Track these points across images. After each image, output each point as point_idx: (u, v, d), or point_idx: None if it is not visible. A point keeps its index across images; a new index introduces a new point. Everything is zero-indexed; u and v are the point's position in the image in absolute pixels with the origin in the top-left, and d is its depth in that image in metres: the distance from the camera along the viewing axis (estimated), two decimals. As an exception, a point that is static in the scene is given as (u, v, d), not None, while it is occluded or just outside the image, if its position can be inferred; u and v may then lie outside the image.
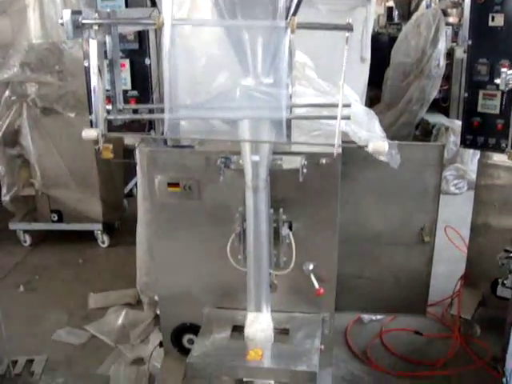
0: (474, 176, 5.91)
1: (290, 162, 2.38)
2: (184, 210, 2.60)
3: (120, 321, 3.57)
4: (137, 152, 3.02)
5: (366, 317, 3.59)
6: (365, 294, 3.11)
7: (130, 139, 2.88)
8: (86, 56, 2.25)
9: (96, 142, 2.09)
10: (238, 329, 2.57)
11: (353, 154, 2.70)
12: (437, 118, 6.36)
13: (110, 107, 2.27)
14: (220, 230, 2.55)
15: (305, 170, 2.35)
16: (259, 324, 2.47)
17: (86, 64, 2.36)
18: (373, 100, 6.14)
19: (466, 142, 3.29)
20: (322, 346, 2.51)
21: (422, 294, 3.11)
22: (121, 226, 5.08)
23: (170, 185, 2.57)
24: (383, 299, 3.13)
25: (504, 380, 2.72)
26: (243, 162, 2.30)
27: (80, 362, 3.30)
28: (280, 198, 2.48)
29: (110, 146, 2.19)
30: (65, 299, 3.98)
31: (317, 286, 2.53)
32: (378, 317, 3.59)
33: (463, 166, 5.87)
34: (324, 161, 2.42)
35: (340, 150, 2.32)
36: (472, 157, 5.74)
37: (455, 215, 4.53)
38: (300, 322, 2.61)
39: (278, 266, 2.56)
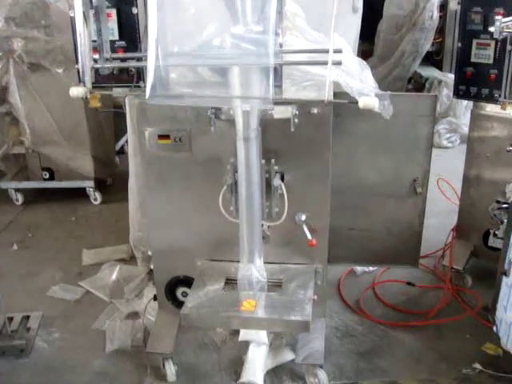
0: (466, 130, 5.89)
1: (281, 112, 2.35)
2: (175, 162, 2.56)
3: (114, 276, 3.58)
4: (126, 103, 2.97)
5: (358, 269, 3.61)
6: (357, 246, 3.11)
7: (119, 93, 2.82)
8: (72, 6, 2.19)
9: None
10: (232, 281, 2.59)
11: (345, 105, 2.70)
12: (430, 72, 6.27)
13: (97, 56, 2.23)
14: (212, 181, 2.53)
15: (296, 120, 2.31)
16: (252, 275, 2.50)
17: (72, 14, 2.29)
18: (365, 53, 6.02)
19: (458, 93, 3.25)
20: (315, 297, 2.52)
21: (415, 245, 3.11)
22: (113, 183, 5.05)
23: (161, 137, 2.53)
24: (375, 251, 3.13)
25: (495, 328, 2.76)
26: (234, 112, 2.26)
27: (75, 318, 3.31)
28: (272, 148, 2.45)
29: (98, 95, 2.14)
30: (58, 256, 3.98)
31: (309, 236, 2.53)
32: (371, 268, 3.61)
33: (456, 120, 5.83)
34: (315, 110, 2.39)
35: (331, 97, 2.29)
36: (465, 110, 5.71)
37: (447, 168, 4.51)
38: (293, 273, 2.62)
39: (270, 217, 2.55)
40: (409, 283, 3.43)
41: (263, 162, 2.40)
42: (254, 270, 2.49)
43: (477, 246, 3.40)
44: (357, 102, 2.09)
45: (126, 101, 2.97)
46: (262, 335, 2.77)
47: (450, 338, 3.04)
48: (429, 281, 3.55)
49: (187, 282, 2.78)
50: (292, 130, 2.30)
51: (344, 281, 3.55)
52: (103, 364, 2.94)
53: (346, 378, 2.79)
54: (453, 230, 3.51)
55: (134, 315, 3.26)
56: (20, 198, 4.78)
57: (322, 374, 2.69)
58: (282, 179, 2.50)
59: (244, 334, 2.78)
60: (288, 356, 2.89)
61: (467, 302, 3.28)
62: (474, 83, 3.16)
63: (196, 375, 2.84)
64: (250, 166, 2.30)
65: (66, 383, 2.82)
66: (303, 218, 2.56)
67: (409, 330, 3.09)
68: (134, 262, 3.73)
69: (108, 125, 4.81)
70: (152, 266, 3.01)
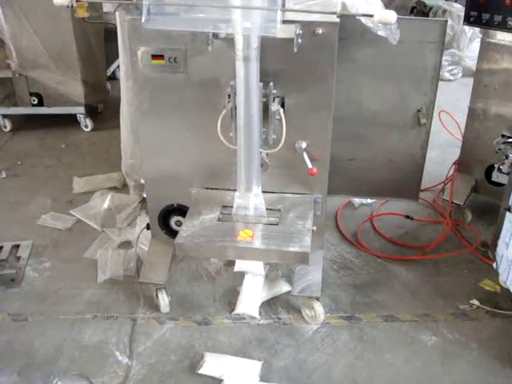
0: (469, 62, 5.77)
1: (283, 31, 2.16)
2: (169, 84, 2.37)
3: (106, 204, 3.46)
4: (117, 19, 2.75)
5: (356, 200, 3.51)
6: (356, 178, 2.99)
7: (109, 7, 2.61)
8: None
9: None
10: (228, 209, 2.47)
11: (350, 29, 2.51)
12: (434, 0, 5.99)
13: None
14: (209, 105, 2.36)
15: (299, 40, 2.14)
16: (249, 204, 2.39)
17: None
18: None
19: (469, 19, 3.04)
20: (314, 228, 2.42)
21: (416, 178, 2.99)
22: (104, 110, 4.86)
23: (154, 57, 2.33)
24: (375, 183, 3.02)
25: (494, 265, 2.69)
26: (233, 29, 2.08)
27: (66, 247, 3.21)
28: (271, 71, 2.26)
29: (85, 4, 1.94)
30: (48, 184, 3.86)
31: (310, 165, 2.39)
32: (369, 201, 3.52)
33: (459, 52, 5.62)
34: (320, 30, 2.19)
35: (337, 19, 2.15)
36: (469, 42, 5.49)
37: (449, 101, 4.35)
38: (291, 203, 2.50)
39: (267, 144, 2.40)
40: (407, 216, 3.34)
41: (261, 84, 2.23)
42: (252, 198, 2.38)
43: (479, 181, 3.29)
44: (372, 15, 1.90)
45: (117, 16, 2.76)
46: (258, 266, 2.70)
47: (447, 274, 2.97)
48: (428, 215, 3.46)
49: (181, 210, 2.66)
50: (295, 50, 2.13)
51: (341, 213, 3.46)
52: (95, 294, 2.86)
53: (342, 311, 2.73)
54: (454, 163, 3.38)
55: (127, 244, 3.17)
56: (8, 124, 4.59)
57: (318, 307, 2.62)
58: (282, 105, 2.34)
59: (240, 265, 2.71)
60: (284, 288, 2.83)
61: (466, 238, 3.20)
62: (487, 9, 2.95)
63: (190, 306, 2.77)
64: (249, 89, 2.14)
65: (57, 313, 2.74)
66: (304, 145, 2.42)
67: (406, 264, 3.02)
68: (126, 190, 3.63)
69: (99, 48, 4.55)
70: (145, 195, 2.89)
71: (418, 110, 2.79)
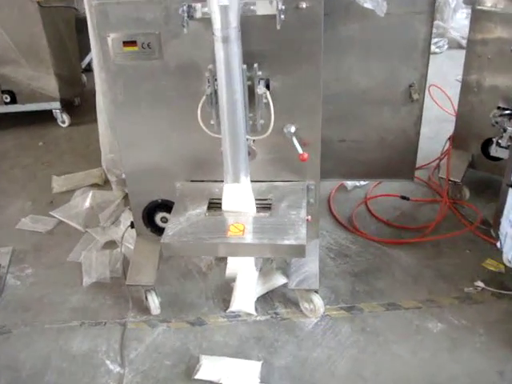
0: (454, 34, 5.60)
1: (264, 7, 1.98)
2: (144, 72, 2.18)
3: (87, 203, 3.27)
4: (85, 4, 2.54)
5: (349, 184, 3.35)
6: (348, 159, 2.83)
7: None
8: None
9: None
10: (216, 203, 2.30)
11: (334, 3, 2.34)
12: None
13: None
14: (187, 92, 2.18)
15: (282, 17, 1.94)
16: (238, 194, 2.22)
17: None
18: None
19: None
20: (309, 217, 2.25)
21: (410, 156, 2.84)
22: (81, 103, 4.64)
23: (126, 43, 2.13)
24: (368, 164, 2.86)
25: (498, 244, 2.55)
26: (209, 8, 1.88)
27: (49, 251, 3.02)
28: (254, 51, 2.08)
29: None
30: (27, 186, 3.65)
31: (300, 150, 2.22)
32: (362, 183, 3.35)
33: (443, 24, 5.44)
34: (304, 4, 2.01)
35: None
36: (453, 13, 5.32)
37: (437, 75, 4.16)
38: (283, 192, 2.33)
39: (255, 130, 2.23)
40: (403, 197, 3.17)
41: (244, 67, 2.04)
42: (240, 189, 2.21)
43: (475, 156, 3.12)
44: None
45: (85, 2, 2.54)
46: (251, 267, 2.52)
47: (448, 255, 2.82)
48: (423, 194, 3.29)
49: (166, 206, 2.49)
50: (278, 27, 1.94)
51: (334, 197, 3.29)
52: (81, 299, 2.68)
53: (342, 302, 2.57)
54: (449, 139, 3.21)
55: (112, 244, 2.99)
56: (-19, 124, 4.36)
57: (317, 299, 2.46)
58: (268, 87, 2.16)
59: (231, 268, 2.52)
60: (279, 281, 2.66)
61: (465, 216, 3.04)
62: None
63: (182, 306, 2.60)
64: (230, 72, 1.95)
65: (42, 322, 2.56)
66: (292, 129, 2.25)
67: (405, 248, 2.86)
68: (109, 186, 3.44)
69: (71, 39, 4.29)
70: (127, 191, 2.71)
71: (410, 86, 2.63)
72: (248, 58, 2.06)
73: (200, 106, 2.15)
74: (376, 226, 3.05)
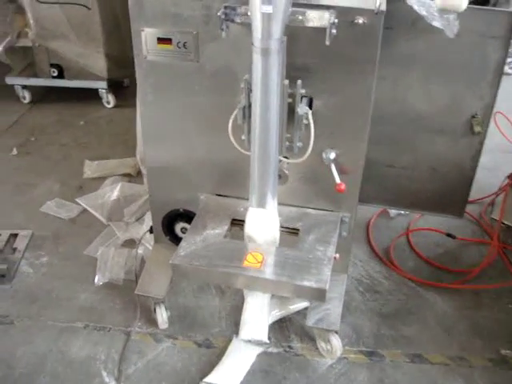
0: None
1: (315, 19, 1.72)
2: (177, 73, 1.97)
3: (115, 194, 3.10)
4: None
5: (393, 211, 3.06)
6: (394, 187, 2.55)
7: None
8: None
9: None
10: (238, 224, 2.08)
11: (398, 16, 2.03)
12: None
13: None
14: (221, 101, 1.95)
15: (334, 31, 1.69)
16: (262, 222, 2.00)
17: None
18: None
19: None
20: (337, 255, 2.00)
21: (463, 192, 2.53)
22: (130, 85, 4.40)
23: (161, 40, 1.93)
24: (415, 194, 2.57)
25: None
26: (251, 14, 1.65)
27: (67, 240, 2.87)
28: (299, 65, 1.83)
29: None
30: (60, 166, 3.52)
31: (338, 180, 1.97)
32: (407, 212, 3.06)
33: (521, 43, 4.98)
34: (361, 20, 1.74)
35: (384, 7, 1.71)
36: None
37: (507, 100, 3.81)
38: (313, 221, 2.09)
39: (290, 151, 2.00)
40: (449, 235, 2.86)
41: (287, 82, 1.81)
42: (265, 214, 1.98)
43: (536, 200, 2.81)
44: None
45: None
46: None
47: (489, 308, 2.50)
48: (472, 232, 2.97)
49: (188, 216, 2.29)
50: (327, 43, 1.69)
51: (374, 223, 3.00)
52: (90, 298, 2.52)
53: (363, 345, 2.31)
54: (509, 177, 2.89)
55: (132, 243, 2.81)
56: (27, 95, 4.25)
57: (335, 341, 2.21)
58: (310, 106, 1.92)
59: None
60: (300, 304, 2.41)
61: (515, 265, 2.74)
62: None
63: (191, 323, 2.40)
64: (268, 87, 1.71)
65: (46, 318, 2.42)
66: (332, 155, 2.00)
67: (442, 292, 2.56)
68: (140, 178, 3.24)
69: (126, 18, 4.08)
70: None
71: (473, 117, 2.32)
72: (291, 73, 1.82)
73: (232, 118, 1.92)
74: (414, 262, 2.75)
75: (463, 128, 2.37)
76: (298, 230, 2.04)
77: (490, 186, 3.14)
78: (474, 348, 2.32)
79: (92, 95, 4.18)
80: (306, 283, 1.82)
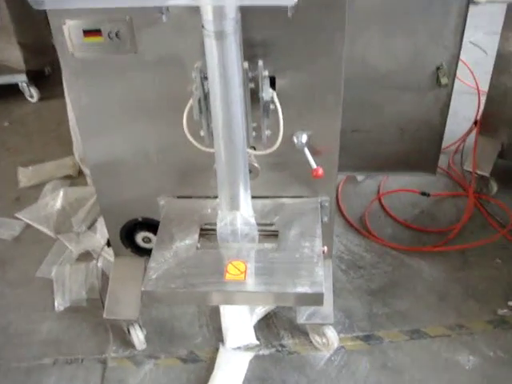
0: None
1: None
2: (113, 68, 1.62)
3: (58, 203, 2.74)
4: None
5: (359, 177, 2.87)
6: (361, 152, 2.37)
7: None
8: None
9: None
10: (209, 229, 1.81)
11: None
12: None
13: None
14: (169, 93, 1.65)
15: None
16: (236, 225, 1.74)
17: None
18: None
19: None
20: (325, 248, 1.78)
21: (434, 148, 2.38)
22: (52, 72, 3.91)
23: (88, 33, 1.57)
24: (384, 157, 2.41)
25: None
26: (196, -3, 1.35)
27: (15, 263, 2.53)
28: (256, 42, 1.55)
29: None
30: (-12, 177, 3.13)
31: (314, 165, 1.72)
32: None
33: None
34: (322, -19, 1.48)
35: None
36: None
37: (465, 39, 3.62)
38: (291, 213, 1.84)
39: (258, 142, 1.73)
40: (423, 193, 2.69)
41: (246, 65, 1.53)
42: (239, 218, 1.73)
43: (506, 145, 2.65)
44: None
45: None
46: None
47: (477, 266, 2.37)
48: (444, 186, 2.80)
49: (149, 224, 2.01)
50: (289, 14, 1.42)
51: (342, 190, 2.80)
52: (54, 328, 2.22)
53: (358, 329, 2.14)
54: (475, 123, 2.72)
55: (88, 256, 2.49)
56: None
57: (330, 333, 2.02)
58: (273, 86, 1.65)
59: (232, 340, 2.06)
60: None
61: (493, 215, 2.58)
62: None
63: (171, 337, 2.16)
64: (227, 74, 1.41)
65: (8, 360, 2.11)
66: (304, 138, 1.74)
67: (426, 256, 2.42)
68: (83, 179, 2.91)
69: None
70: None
71: (438, 68, 2.14)
72: (247, 52, 1.54)
73: (186, 112, 1.63)
74: (392, 227, 2.58)
75: (429, 81, 2.19)
76: (276, 227, 1.80)
77: (453, 133, 2.97)
78: (471, 312, 2.19)
79: (12, 91, 3.69)
80: (300, 289, 1.58)
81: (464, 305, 2.21)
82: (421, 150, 2.41)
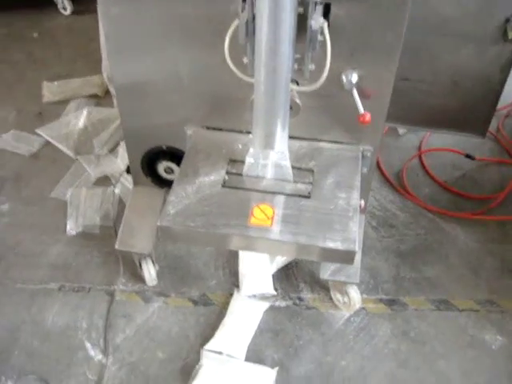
0: None
1: None
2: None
3: (81, 122, 2.59)
4: None
5: (401, 129, 2.64)
6: (408, 103, 2.13)
7: None
8: None
9: None
10: (237, 166, 1.65)
11: None
12: None
13: None
14: (211, 10, 1.44)
15: None
16: (269, 167, 1.57)
17: None
18: None
19: None
20: (362, 202, 1.62)
21: (487, 108, 2.14)
22: None
23: None
24: (432, 111, 2.16)
25: None
26: None
27: (30, 181, 2.40)
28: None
29: None
30: (14, 89, 2.93)
31: (361, 109, 1.52)
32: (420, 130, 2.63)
33: None
34: None
35: None
36: None
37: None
38: (329, 159, 1.65)
39: (301, 77, 1.53)
40: (468, 155, 2.47)
41: (296, -14, 1.31)
42: (273, 157, 1.55)
43: None
44: None
45: None
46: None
47: (517, 240, 2.20)
48: (489, 151, 2.57)
49: (173, 154, 1.85)
50: None
51: (381, 142, 2.58)
52: (63, 252, 2.11)
53: (382, 292, 1.98)
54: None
55: (106, 180, 2.36)
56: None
57: (354, 293, 1.87)
58: (326, 16, 1.43)
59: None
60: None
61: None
62: None
63: (184, 276, 2.03)
64: (277, -7, 1.24)
65: (14, 280, 2.02)
66: (354, 78, 1.54)
67: (464, 223, 2.22)
68: (110, 100, 2.71)
69: None
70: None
71: (507, 20, 1.88)
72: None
73: (229, 35, 1.43)
74: (430, 188, 2.38)
75: (494, 33, 1.92)
76: (313, 171, 1.63)
77: (507, 95, 2.70)
78: (504, 289, 2.01)
79: (45, 1, 3.48)
80: (331, 244, 1.42)
81: (498, 280, 2.04)
82: (472, 108, 2.17)
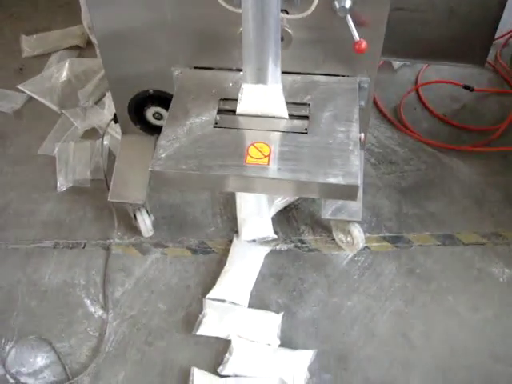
0: None
1: None
2: None
3: (64, 75, 2.45)
4: None
5: (397, 62, 2.51)
6: (403, 35, 2.01)
7: None
8: None
9: None
10: (229, 104, 1.54)
11: None
12: None
13: None
14: None
15: None
16: (262, 102, 1.47)
17: None
18: None
19: None
20: (362, 135, 1.52)
21: (486, 36, 2.01)
22: None
23: None
24: (428, 42, 2.04)
25: None
26: None
27: (16, 139, 2.29)
28: None
29: None
30: (-9, 44, 2.79)
31: (356, 36, 1.41)
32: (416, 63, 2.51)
33: None
34: None
35: None
36: None
37: None
38: (325, 92, 1.54)
39: (291, 5, 1.41)
40: (466, 87, 2.36)
41: None
42: (266, 92, 1.45)
43: None
44: None
45: None
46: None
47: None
48: (488, 82, 2.46)
49: (160, 98, 1.74)
50: None
51: (377, 78, 2.47)
52: (55, 209, 2.02)
53: (385, 229, 1.91)
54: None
55: (93, 133, 2.25)
56: None
57: (357, 232, 1.79)
58: None
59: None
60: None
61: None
62: None
63: (181, 224, 1.96)
64: None
65: (7, 241, 1.93)
66: (348, 3, 1.42)
67: (465, 156, 2.14)
68: (92, 50, 2.57)
69: None
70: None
71: None
72: None
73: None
74: (429, 122, 2.28)
75: (493, -49, 1.81)
76: (309, 105, 1.52)
77: (504, 23, 2.57)
78: (510, 221, 1.95)
79: None
80: (332, 180, 1.33)
81: (502, 213, 1.97)
82: (470, 37, 2.04)
